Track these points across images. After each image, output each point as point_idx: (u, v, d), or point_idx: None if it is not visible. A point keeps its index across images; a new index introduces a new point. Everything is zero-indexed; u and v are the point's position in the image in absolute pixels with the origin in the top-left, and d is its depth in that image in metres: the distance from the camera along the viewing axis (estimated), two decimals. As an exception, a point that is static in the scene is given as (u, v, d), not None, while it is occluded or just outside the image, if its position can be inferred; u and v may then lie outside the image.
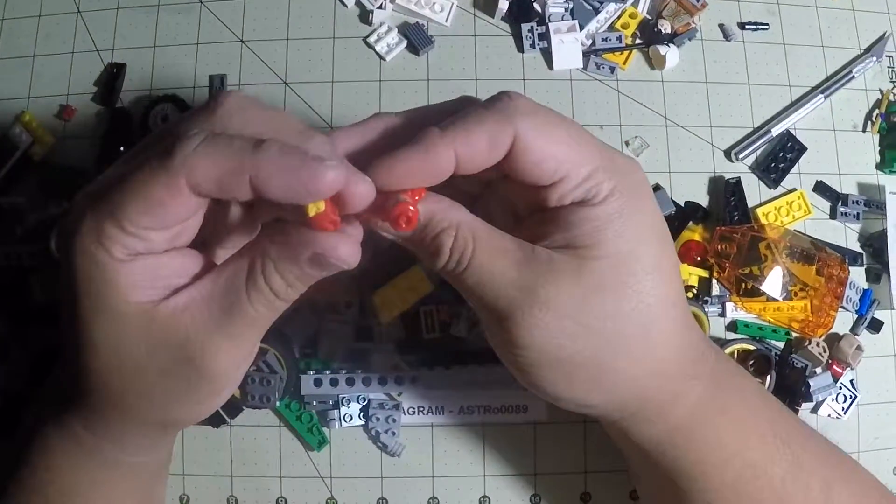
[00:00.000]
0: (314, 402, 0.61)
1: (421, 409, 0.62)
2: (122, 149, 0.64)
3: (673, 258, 0.46)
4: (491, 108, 0.42)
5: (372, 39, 0.67)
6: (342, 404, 0.61)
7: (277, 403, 0.61)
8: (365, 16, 0.68)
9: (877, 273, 0.64)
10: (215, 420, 0.61)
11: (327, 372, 0.61)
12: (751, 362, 0.61)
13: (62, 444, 0.48)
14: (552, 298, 0.42)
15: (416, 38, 0.67)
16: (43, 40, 0.68)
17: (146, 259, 0.40)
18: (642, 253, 0.43)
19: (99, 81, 0.67)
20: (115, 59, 0.67)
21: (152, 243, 0.39)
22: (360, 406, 0.62)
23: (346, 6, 0.68)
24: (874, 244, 0.65)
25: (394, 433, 0.61)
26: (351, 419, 0.61)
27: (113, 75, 0.66)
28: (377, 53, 0.67)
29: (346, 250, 0.39)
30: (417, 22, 0.67)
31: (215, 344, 0.41)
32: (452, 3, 0.68)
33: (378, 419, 0.61)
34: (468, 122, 0.41)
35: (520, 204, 0.46)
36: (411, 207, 0.40)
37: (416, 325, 0.62)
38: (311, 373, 0.61)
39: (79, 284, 0.40)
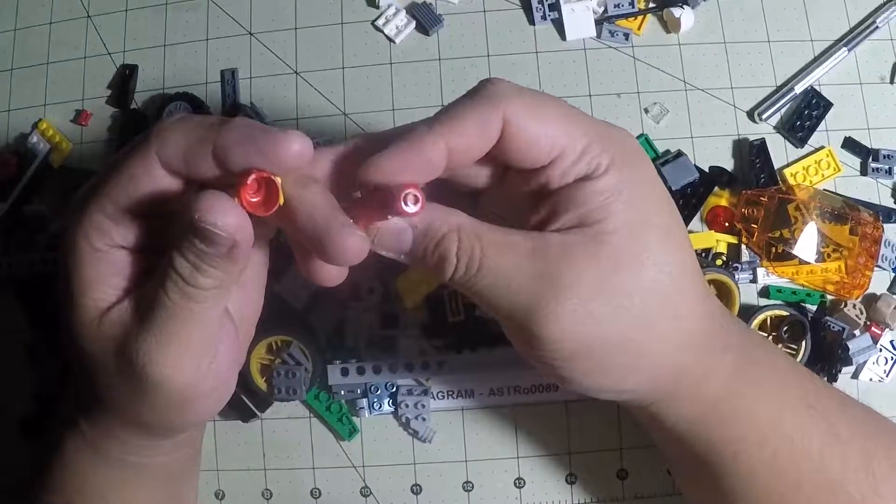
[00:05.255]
0: (342, 392, 0.61)
1: (450, 393, 0.61)
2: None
3: (682, 225, 0.44)
4: (475, 95, 0.41)
5: (380, 23, 0.66)
6: (370, 392, 0.61)
7: (305, 395, 0.61)
8: (372, -1, 0.67)
9: (913, 229, 0.62)
10: (245, 414, 0.61)
11: (354, 361, 0.61)
12: (784, 328, 0.59)
13: (74, 443, 0.49)
14: (574, 282, 0.40)
15: (425, 17, 0.65)
16: (55, 47, 0.68)
17: (116, 254, 0.41)
18: (653, 221, 0.42)
19: (112, 84, 0.67)
20: (126, 60, 0.67)
21: (127, 231, 0.41)
22: (389, 393, 0.61)
23: (353, -10, 0.67)
24: (909, 199, 0.62)
25: (424, 419, 0.61)
26: (380, 407, 0.61)
27: (125, 77, 0.66)
28: (386, 36, 0.66)
29: (224, 218, 0.37)
30: (425, 1, 0.66)
31: (148, 343, 0.40)
32: (460, -20, 0.66)
33: (407, 406, 0.61)
34: (455, 111, 0.41)
35: (521, 200, 0.45)
36: (414, 190, 0.38)
37: (440, 309, 0.61)
38: (338, 363, 0.61)
39: (63, 275, 0.42)
